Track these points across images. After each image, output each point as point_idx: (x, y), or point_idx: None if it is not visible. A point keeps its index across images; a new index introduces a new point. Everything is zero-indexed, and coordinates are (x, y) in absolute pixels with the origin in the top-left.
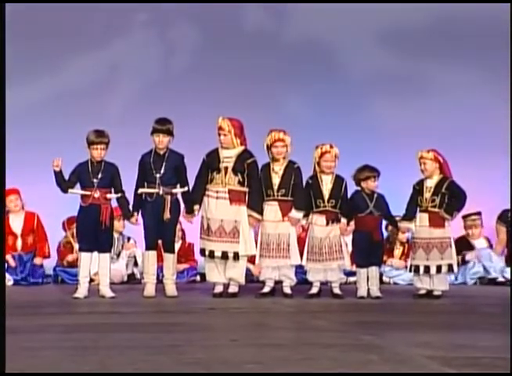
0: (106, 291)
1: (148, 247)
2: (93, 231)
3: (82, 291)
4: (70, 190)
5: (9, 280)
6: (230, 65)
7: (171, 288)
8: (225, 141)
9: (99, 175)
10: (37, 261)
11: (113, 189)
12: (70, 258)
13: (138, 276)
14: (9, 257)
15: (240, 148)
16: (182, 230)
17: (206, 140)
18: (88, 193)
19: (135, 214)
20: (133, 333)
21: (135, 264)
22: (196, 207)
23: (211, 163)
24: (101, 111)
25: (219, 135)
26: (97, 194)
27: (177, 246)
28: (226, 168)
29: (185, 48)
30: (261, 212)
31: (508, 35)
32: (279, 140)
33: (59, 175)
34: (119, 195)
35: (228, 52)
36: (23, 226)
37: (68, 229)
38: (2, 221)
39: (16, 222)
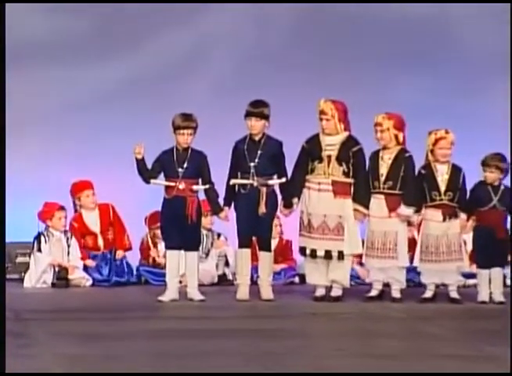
0: (195, 293)
1: (241, 245)
2: (179, 227)
3: (170, 294)
4: (152, 181)
5: (88, 279)
6: (336, 44)
7: (266, 290)
8: (327, 126)
9: (185, 164)
10: (119, 254)
11: (200, 180)
12: (151, 258)
13: (230, 276)
14: (88, 261)
15: (344, 134)
16: (280, 226)
17: (305, 125)
18: (172, 184)
19: (226, 208)
20: (225, 340)
21: (227, 264)
22: (295, 200)
23: (312, 151)
24: (187, 93)
25: (321, 119)
26: (182, 185)
27: (273, 243)
28: (329, 157)
29: (283, 24)
30: (368, 206)
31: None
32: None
33: (141, 164)
34: (207, 186)
35: (334, 31)
36: (100, 222)
37: (151, 227)
38: (2, 220)
39: (90, 219)
